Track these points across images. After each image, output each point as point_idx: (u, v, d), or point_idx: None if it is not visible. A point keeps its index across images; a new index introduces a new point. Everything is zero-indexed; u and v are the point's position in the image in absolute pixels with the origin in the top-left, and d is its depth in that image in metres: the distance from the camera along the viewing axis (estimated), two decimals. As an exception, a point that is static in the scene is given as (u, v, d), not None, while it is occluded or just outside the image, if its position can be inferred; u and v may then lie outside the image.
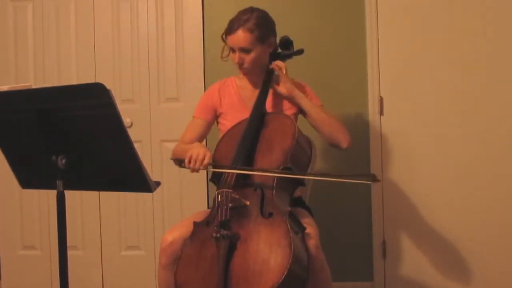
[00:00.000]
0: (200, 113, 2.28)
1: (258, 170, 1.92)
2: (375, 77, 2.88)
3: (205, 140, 2.93)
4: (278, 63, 2.19)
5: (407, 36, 2.86)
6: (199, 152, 1.93)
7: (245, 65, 2.16)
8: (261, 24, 2.14)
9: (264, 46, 2.17)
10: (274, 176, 1.89)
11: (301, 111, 2.22)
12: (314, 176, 1.99)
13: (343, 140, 2.13)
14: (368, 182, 1.76)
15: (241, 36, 2.11)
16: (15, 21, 3.09)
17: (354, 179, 1.97)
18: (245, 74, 2.23)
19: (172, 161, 2.11)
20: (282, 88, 2.16)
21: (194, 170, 1.93)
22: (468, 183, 2.82)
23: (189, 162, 1.92)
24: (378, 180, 1.75)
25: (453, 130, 2.84)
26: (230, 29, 2.14)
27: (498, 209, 2.81)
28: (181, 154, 2.04)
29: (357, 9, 2.91)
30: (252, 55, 2.14)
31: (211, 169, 2.01)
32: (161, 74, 3.03)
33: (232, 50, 2.17)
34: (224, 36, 2.20)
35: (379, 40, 2.87)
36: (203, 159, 1.92)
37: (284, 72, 2.17)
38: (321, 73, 2.89)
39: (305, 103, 2.15)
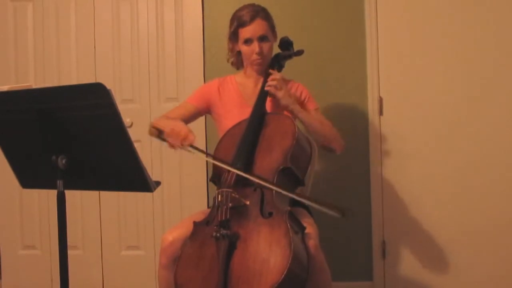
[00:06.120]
0: (193, 99, 2.30)
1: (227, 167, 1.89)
2: (375, 77, 2.88)
3: (205, 138, 2.96)
4: (274, 76, 2.16)
5: (406, 36, 2.86)
6: (183, 129, 1.90)
7: (265, 53, 2.18)
8: (269, 15, 2.23)
9: (274, 35, 2.25)
10: (274, 176, 1.90)
11: None
12: (294, 195, 1.88)
13: (337, 147, 2.22)
14: (337, 215, 1.78)
15: (261, 24, 2.16)
16: (15, 21, 3.09)
17: (328, 209, 1.83)
18: (258, 67, 2.22)
19: (151, 130, 1.91)
20: (279, 102, 2.15)
21: (172, 146, 1.88)
22: (468, 183, 2.82)
23: (170, 136, 1.87)
24: (346, 216, 1.77)
25: (452, 130, 2.84)
26: (244, 22, 2.16)
27: (498, 209, 2.81)
28: (164, 125, 1.93)
29: (357, 9, 2.91)
30: (269, 44, 2.20)
31: (190, 150, 1.89)
32: (161, 74, 3.03)
33: (246, 42, 2.18)
34: (233, 34, 2.21)
35: (379, 40, 2.87)
36: (185, 137, 1.88)
37: (280, 83, 2.13)
38: (321, 73, 2.89)
39: (302, 116, 2.14)
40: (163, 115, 2.24)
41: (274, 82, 2.12)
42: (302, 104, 2.24)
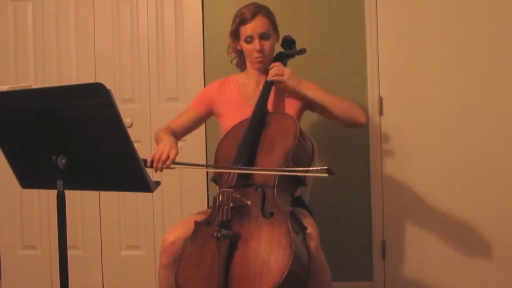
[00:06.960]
0: (195, 104, 2.31)
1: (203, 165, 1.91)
2: (375, 77, 2.88)
3: (205, 138, 2.97)
4: (273, 65, 2.18)
5: (406, 36, 2.86)
6: (163, 151, 1.93)
7: (266, 51, 2.17)
8: (271, 13, 2.22)
9: (276, 34, 2.24)
10: (275, 176, 1.89)
11: (309, 105, 2.23)
12: (266, 171, 1.90)
13: (360, 116, 2.13)
14: (324, 175, 1.73)
15: (262, 21, 2.15)
16: (15, 21, 3.09)
17: (311, 173, 1.95)
18: (259, 65, 2.21)
19: None
20: (286, 87, 2.16)
21: (157, 170, 1.93)
22: (468, 182, 2.82)
23: (151, 162, 1.93)
24: (334, 173, 1.74)
25: (453, 130, 2.83)
26: (245, 19, 2.16)
27: (497, 208, 2.80)
28: (157, 143, 2.08)
29: (357, 9, 2.90)
30: (270, 41, 2.19)
31: (176, 167, 1.97)
32: (161, 74, 3.02)
33: (247, 40, 2.17)
34: (234, 32, 2.21)
35: (379, 40, 2.87)
36: (166, 159, 1.92)
37: (280, 68, 2.16)
38: (321, 73, 2.89)
39: (312, 93, 2.14)
40: (167, 125, 2.26)
41: (274, 70, 2.15)
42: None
